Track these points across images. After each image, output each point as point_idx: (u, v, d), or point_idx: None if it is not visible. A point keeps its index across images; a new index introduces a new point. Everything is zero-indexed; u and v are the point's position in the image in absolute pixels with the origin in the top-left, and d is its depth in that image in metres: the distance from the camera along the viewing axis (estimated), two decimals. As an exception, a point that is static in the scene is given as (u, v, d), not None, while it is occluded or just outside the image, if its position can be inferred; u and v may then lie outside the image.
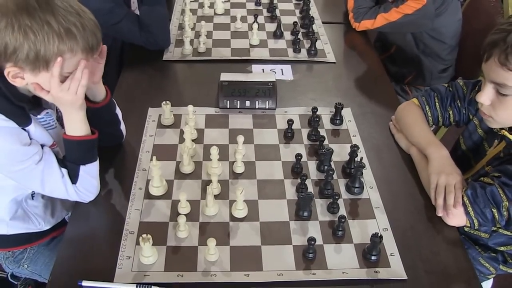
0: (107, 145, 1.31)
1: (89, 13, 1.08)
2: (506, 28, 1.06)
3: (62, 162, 1.15)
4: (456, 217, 1.16)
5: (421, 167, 1.30)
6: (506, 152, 1.20)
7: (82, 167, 1.15)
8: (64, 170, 1.14)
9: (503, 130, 1.18)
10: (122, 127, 1.35)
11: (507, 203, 1.11)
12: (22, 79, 1.05)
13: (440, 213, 1.18)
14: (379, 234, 1.06)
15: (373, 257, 1.08)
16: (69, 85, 1.07)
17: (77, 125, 1.14)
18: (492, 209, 1.13)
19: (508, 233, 1.27)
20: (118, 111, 1.33)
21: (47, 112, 1.18)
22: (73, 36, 1.02)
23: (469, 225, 1.17)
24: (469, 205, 1.15)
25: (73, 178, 1.15)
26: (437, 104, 1.38)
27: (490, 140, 1.27)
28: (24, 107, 1.10)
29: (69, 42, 1.02)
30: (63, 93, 1.07)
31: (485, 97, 1.13)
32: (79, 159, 1.15)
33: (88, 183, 1.17)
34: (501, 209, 1.12)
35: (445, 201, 1.17)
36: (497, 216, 1.13)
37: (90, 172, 1.17)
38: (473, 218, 1.15)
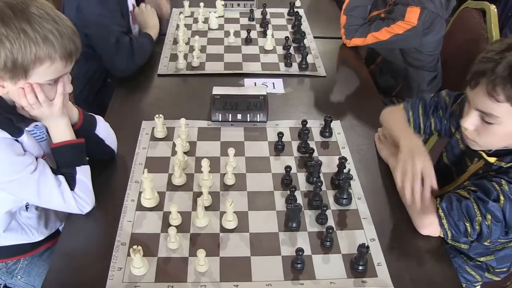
0: (99, 159, 1.33)
1: (67, 20, 1.09)
2: (494, 57, 1.04)
3: (57, 171, 1.17)
4: (429, 228, 1.19)
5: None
6: (485, 169, 1.22)
7: (78, 169, 1.18)
8: (61, 177, 1.16)
9: (481, 151, 1.20)
10: (110, 142, 1.35)
11: (480, 218, 1.14)
12: (3, 87, 1.07)
13: (409, 201, 1.21)
14: (366, 245, 1.08)
15: (360, 267, 1.10)
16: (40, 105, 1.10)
17: (62, 132, 1.17)
18: (466, 223, 1.15)
19: (485, 242, 1.29)
20: (101, 130, 1.31)
21: (37, 125, 1.20)
22: (50, 43, 1.04)
23: (442, 235, 1.19)
24: (444, 217, 1.17)
25: (71, 182, 1.17)
26: (420, 110, 1.41)
27: (471, 156, 1.28)
28: (12, 119, 1.12)
29: (47, 49, 1.03)
30: (36, 110, 1.11)
31: (470, 123, 1.13)
32: (72, 161, 1.18)
33: (85, 187, 1.19)
34: (474, 223, 1.15)
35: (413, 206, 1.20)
36: (469, 230, 1.16)
37: (85, 174, 1.20)
38: (447, 230, 1.18)
